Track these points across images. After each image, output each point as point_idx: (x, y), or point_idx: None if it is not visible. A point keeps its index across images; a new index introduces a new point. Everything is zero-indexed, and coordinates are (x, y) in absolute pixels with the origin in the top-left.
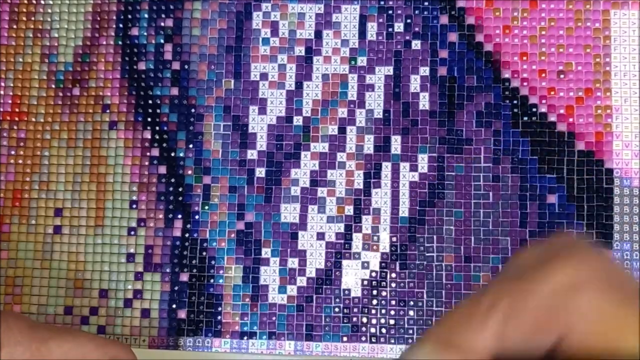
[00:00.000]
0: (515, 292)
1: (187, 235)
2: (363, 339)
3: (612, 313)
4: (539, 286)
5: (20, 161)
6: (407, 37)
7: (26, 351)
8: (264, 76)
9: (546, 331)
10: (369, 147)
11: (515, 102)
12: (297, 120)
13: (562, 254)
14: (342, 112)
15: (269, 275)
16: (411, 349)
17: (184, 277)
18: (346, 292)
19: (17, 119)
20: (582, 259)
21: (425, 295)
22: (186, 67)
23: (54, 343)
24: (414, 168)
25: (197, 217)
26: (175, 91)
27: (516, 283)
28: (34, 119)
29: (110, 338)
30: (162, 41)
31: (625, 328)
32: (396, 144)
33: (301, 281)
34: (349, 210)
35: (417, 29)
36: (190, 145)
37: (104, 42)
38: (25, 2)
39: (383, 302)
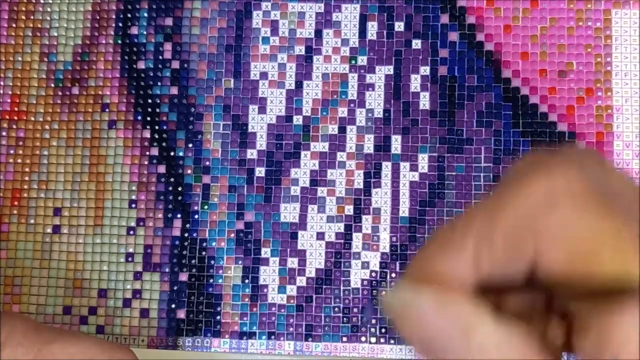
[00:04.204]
0: (487, 212)
1: (186, 234)
2: (363, 339)
3: (588, 230)
4: (508, 205)
5: (19, 160)
6: (408, 37)
7: (28, 352)
8: (263, 75)
9: (516, 256)
10: (369, 146)
11: (515, 102)
12: (297, 120)
13: (541, 165)
14: (342, 111)
15: (269, 275)
16: (391, 291)
17: (183, 277)
18: (346, 292)
19: (16, 118)
20: (563, 169)
21: None
22: (186, 66)
23: (57, 345)
24: (414, 168)
25: (196, 216)
26: (174, 90)
27: (490, 201)
28: (33, 118)
29: (112, 340)
30: (161, 40)
31: (602, 245)
32: (396, 144)
33: (301, 281)
34: (349, 210)
35: (417, 29)
36: (190, 145)
37: (104, 41)
38: (25, 1)
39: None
